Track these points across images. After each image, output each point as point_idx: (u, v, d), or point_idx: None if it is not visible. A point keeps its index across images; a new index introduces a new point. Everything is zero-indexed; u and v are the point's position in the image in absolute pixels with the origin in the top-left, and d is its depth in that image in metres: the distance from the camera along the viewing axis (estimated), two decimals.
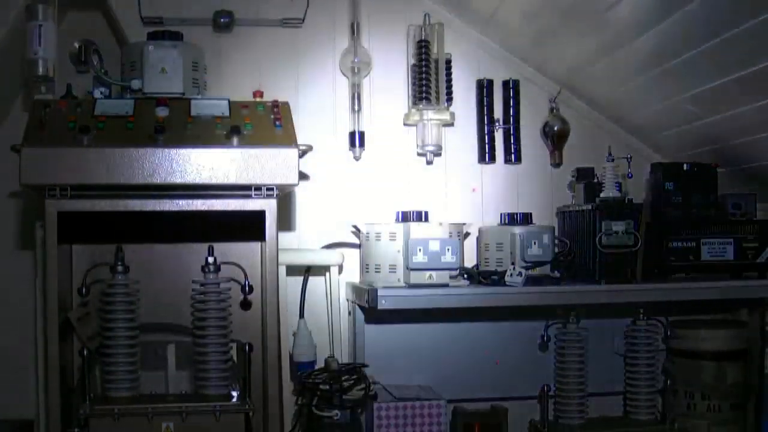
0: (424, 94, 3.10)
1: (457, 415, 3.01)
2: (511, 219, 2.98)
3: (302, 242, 3.10)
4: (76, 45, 3.02)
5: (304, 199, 3.12)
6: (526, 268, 2.84)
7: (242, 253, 2.55)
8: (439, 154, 3.21)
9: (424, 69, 3.10)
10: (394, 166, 3.21)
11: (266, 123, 2.47)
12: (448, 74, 3.16)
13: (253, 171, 2.34)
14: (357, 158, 3.18)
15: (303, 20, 3.12)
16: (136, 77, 2.55)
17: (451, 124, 3.21)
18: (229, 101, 2.53)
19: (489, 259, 2.96)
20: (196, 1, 3.07)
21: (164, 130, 2.34)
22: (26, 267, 2.90)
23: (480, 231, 3.06)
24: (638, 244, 2.90)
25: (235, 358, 2.51)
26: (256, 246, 2.52)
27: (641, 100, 3.11)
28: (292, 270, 3.00)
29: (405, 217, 2.88)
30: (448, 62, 3.16)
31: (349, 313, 3.09)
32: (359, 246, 3.05)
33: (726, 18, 2.34)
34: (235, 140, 2.36)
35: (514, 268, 2.83)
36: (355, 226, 3.08)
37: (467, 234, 3.06)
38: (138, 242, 2.56)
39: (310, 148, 2.43)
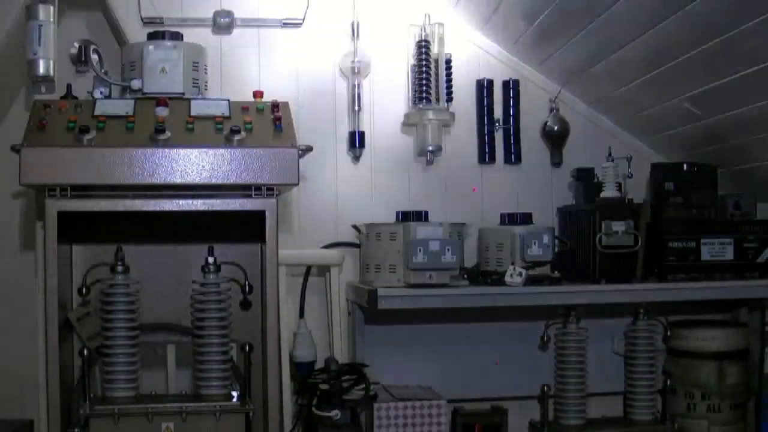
0: (424, 94, 3.10)
1: (457, 415, 3.01)
2: (511, 219, 2.98)
3: (302, 242, 3.10)
4: (76, 45, 3.02)
5: (304, 199, 3.11)
6: (526, 268, 2.84)
7: (242, 253, 2.55)
8: (439, 154, 3.21)
9: (424, 69, 3.10)
10: (394, 166, 3.21)
11: (266, 123, 2.47)
12: (448, 74, 3.15)
13: (253, 171, 2.34)
14: (357, 158, 3.18)
15: (303, 20, 3.12)
16: (136, 77, 2.55)
17: (451, 124, 3.21)
18: (229, 101, 2.53)
19: (489, 259, 2.96)
20: (196, 1, 3.07)
21: (164, 130, 2.34)
22: (27, 267, 2.90)
23: (480, 231, 3.06)
24: (638, 244, 2.90)
25: (235, 358, 2.51)
26: (256, 246, 2.52)
27: (641, 100, 3.11)
28: (292, 270, 2.99)
29: (405, 217, 2.88)
30: (448, 62, 3.15)
31: (349, 313, 3.09)
32: (359, 246, 3.05)
33: (726, 18, 2.34)
34: (235, 140, 2.36)
35: (514, 268, 2.83)
36: (355, 226, 3.08)
37: (467, 234, 3.06)
38: (138, 242, 2.57)
39: (310, 148, 2.43)
